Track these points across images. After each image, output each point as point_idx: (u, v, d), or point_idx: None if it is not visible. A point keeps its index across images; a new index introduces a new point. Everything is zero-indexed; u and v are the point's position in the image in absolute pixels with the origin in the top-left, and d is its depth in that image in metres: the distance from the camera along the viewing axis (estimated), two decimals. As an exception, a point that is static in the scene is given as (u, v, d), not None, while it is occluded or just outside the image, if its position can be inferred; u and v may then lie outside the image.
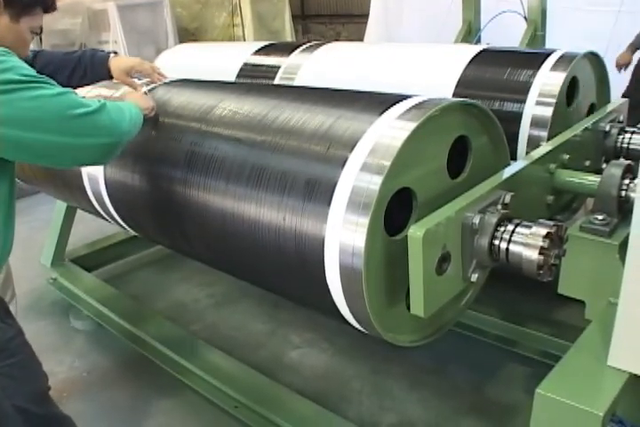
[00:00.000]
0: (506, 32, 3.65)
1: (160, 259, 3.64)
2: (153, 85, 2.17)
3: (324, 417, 2.11)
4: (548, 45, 3.60)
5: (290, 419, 2.06)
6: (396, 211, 1.45)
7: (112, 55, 2.01)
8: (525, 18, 3.59)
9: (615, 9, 4.77)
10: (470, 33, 3.87)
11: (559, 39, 3.72)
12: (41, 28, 1.63)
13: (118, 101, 1.66)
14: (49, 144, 1.36)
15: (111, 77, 2.01)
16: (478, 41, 3.83)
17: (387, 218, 1.42)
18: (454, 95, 2.29)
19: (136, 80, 2.09)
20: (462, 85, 2.32)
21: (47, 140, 1.35)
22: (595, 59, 2.40)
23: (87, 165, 1.45)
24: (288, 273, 1.62)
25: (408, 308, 1.45)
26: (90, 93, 2.31)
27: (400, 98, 1.58)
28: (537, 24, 3.49)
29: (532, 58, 2.32)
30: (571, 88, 2.26)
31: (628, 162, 1.61)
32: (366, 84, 2.09)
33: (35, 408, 1.74)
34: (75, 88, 1.99)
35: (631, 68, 4.26)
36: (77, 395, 2.51)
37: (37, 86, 1.33)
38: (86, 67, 1.98)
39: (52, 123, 1.34)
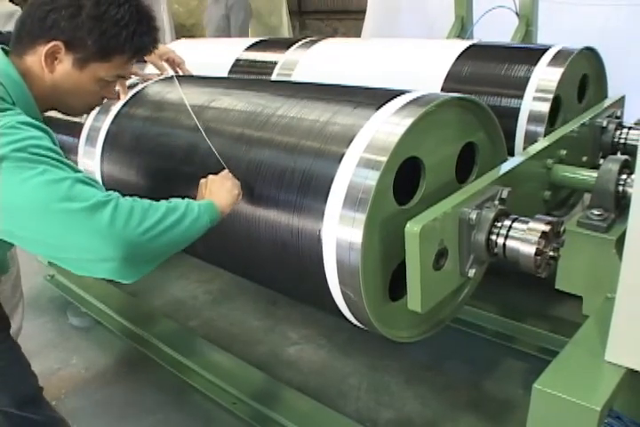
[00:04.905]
0: (499, 28, 3.63)
1: (157, 256, 3.64)
2: (182, 74, 2.20)
3: (322, 413, 2.11)
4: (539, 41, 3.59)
5: (288, 415, 2.06)
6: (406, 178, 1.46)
7: None
8: (517, 13, 3.57)
9: (608, 3, 4.73)
10: (463, 29, 3.85)
11: (551, 35, 3.70)
12: (121, 76, 1.39)
13: (179, 201, 1.29)
14: (37, 241, 1.11)
15: (144, 60, 2.01)
16: (471, 37, 3.81)
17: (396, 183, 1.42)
18: (442, 90, 2.29)
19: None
20: (451, 80, 2.31)
21: (32, 236, 1.10)
22: (592, 54, 2.39)
23: (103, 277, 1.14)
24: (285, 269, 1.61)
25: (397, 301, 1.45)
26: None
27: (397, 93, 1.57)
28: (528, 19, 3.47)
29: (526, 53, 2.31)
30: (582, 85, 2.27)
31: (626, 157, 1.61)
32: (363, 80, 2.08)
33: (18, 411, 1.71)
34: None
35: None
36: (76, 392, 2.50)
37: (32, 167, 1.06)
38: None
39: (33, 215, 1.06)
